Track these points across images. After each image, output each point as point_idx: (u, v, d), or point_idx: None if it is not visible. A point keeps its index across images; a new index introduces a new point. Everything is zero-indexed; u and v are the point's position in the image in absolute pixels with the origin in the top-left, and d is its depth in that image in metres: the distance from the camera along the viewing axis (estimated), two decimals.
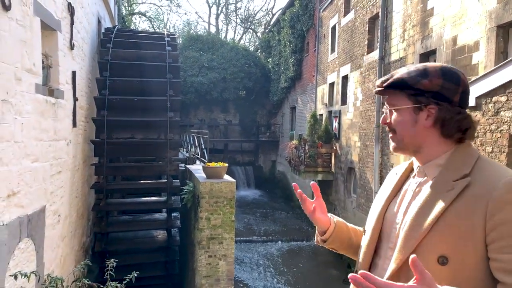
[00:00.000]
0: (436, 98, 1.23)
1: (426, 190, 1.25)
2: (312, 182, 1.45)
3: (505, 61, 4.58)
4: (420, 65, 1.29)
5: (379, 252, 1.33)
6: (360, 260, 1.39)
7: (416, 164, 1.36)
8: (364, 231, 1.44)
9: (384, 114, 1.36)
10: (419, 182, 1.30)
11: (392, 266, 1.21)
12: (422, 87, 1.24)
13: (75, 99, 6.68)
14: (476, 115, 4.89)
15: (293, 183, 1.59)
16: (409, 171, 1.41)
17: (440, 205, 1.16)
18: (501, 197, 1.09)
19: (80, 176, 7.59)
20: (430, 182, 1.25)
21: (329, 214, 1.55)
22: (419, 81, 1.24)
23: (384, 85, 1.31)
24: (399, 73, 1.30)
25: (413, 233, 1.19)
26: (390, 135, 1.35)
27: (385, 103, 1.36)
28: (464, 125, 1.25)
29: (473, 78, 5.21)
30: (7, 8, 3.68)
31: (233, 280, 7.65)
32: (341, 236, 1.54)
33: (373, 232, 1.35)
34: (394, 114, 1.31)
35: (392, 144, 1.36)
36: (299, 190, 1.51)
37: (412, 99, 1.27)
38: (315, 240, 1.63)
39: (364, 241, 1.40)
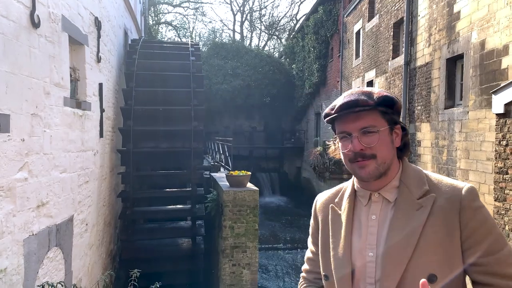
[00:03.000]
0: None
1: (394, 215, 1.19)
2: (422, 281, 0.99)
3: None
4: (375, 88, 1.25)
5: None
6: None
7: (364, 191, 1.26)
8: (325, 276, 1.30)
9: (351, 141, 1.19)
10: (379, 208, 1.23)
11: None
12: (397, 106, 1.24)
13: (102, 110, 6.85)
14: (505, 122, 4.72)
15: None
16: (353, 200, 1.29)
17: (416, 226, 1.15)
18: (470, 205, 1.14)
19: (107, 185, 7.77)
20: (395, 206, 1.20)
21: None
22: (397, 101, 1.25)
23: (375, 102, 1.18)
24: (367, 92, 1.21)
25: (397, 259, 1.14)
26: (364, 161, 1.18)
27: (345, 130, 1.21)
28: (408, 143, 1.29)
29: (502, 84, 5.04)
30: (36, 25, 3.83)
31: None
32: None
33: (346, 273, 1.22)
34: (371, 137, 1.18)
35: (367, 172, 1.19)
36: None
37: (386, 118, 1.21)
38: None
39: (331, 286, 1.27)
